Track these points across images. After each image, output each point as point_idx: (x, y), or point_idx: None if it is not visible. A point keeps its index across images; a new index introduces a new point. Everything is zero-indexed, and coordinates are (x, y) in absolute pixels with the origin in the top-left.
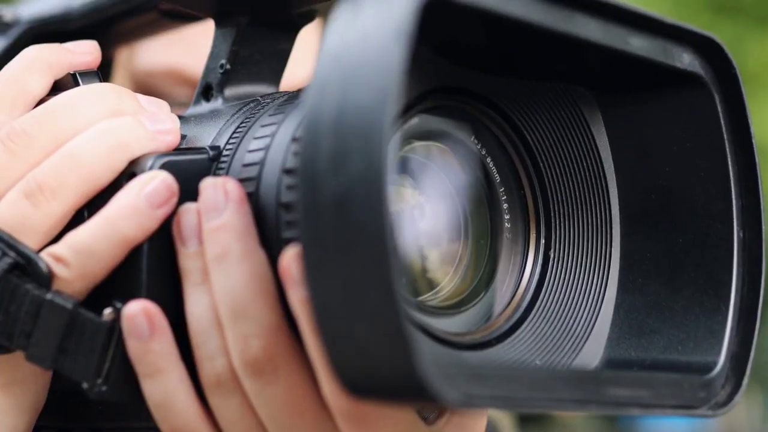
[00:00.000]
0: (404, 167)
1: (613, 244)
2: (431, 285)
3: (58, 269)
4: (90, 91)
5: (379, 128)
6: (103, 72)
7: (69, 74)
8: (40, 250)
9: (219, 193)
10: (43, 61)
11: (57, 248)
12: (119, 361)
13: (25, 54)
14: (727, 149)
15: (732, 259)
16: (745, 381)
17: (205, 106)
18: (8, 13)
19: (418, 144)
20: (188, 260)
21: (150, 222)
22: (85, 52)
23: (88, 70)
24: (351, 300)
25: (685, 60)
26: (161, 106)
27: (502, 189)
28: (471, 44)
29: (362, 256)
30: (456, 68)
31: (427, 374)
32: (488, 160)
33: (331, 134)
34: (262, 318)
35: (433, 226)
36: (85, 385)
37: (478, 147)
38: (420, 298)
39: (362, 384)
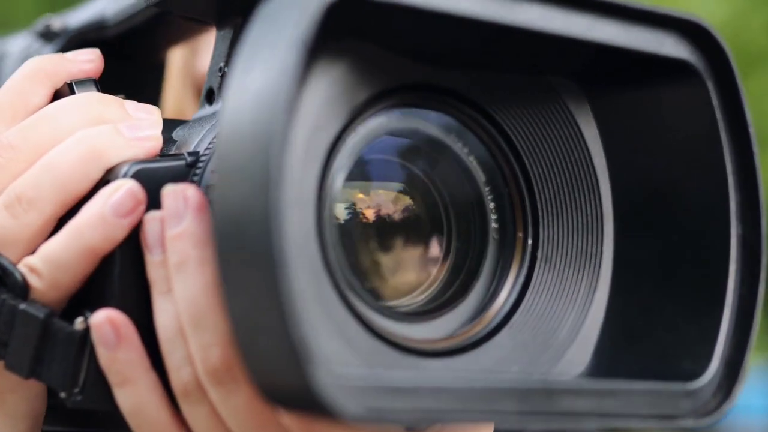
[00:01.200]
0: (372, 167)
1: (604, 243)
2: (406, 290)
3: (32, 280)
4: (73, 101)
5: (268, 141)
6: (155, 74)
7: (65, 84)
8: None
9: (179, 200)
10: (41, 71)
11: (32, 259)
12: (94, 371)
13: (26, 65)
14: (723, 139)
15: (728, 257)
16: (738, 387)
17: (207, 110)
18: (57, 23)
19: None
20: (154, 269)
21: (116, 232)
22: (84, 60)
23: (87, 78)
24: (254, 315)
25: (671, 47)
26: (151, 112)
27: (488, 188)
28: (424, 41)
29: (257, 275)
30: (420, 65)
31: (322, 389)
32: (471, 158)
33: (235, 149)
34: (220, 327)
35: (403, 228)
36: (62, 395)
37: (459, 145)
38: (390, 304)
39: (274, 395)
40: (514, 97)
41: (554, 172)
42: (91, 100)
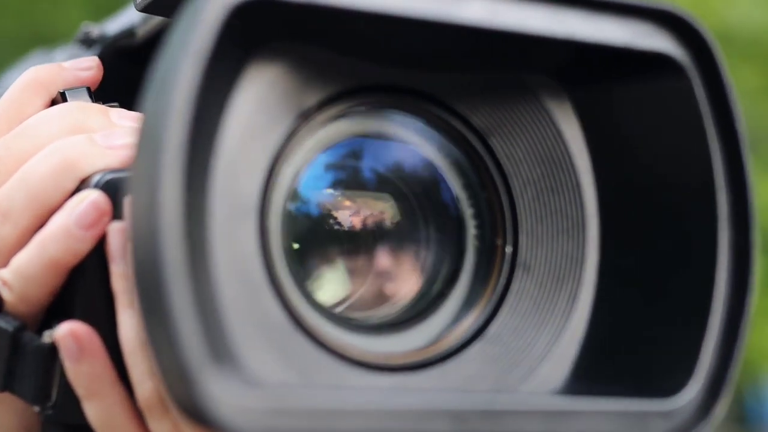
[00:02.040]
0: (335, 173)
1: (587, 249)
2: (374, 302)
3: (4, 293)
4: (53, 111)
5: (155, 155)
6: None
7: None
8: None
9: None
10: (37, 81)
11: (3, 272)
12: (65, 385)
13: (23, 76)
14: (709, 139)
15: (715, 264)
16: (720, 405)
17: None
18: (95, 30)
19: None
20: (117, 280)
21: (80, 244)
22: (82, 68)
23: (81, 86)
24: (152, 333)
25: (649, 40)
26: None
27: (466, 193)
28: (381, 42)
29: (149, 298)
30: (383, 67)
31: (211, 410)
32: (445, 162)
33: (135, 167)
34: None
35: (371, 237)
36: (35, 408)
37: (431, 148)
38: (355, 316)
39: (188, 415)
40: (486, 97)
41: (534, 175)
42: (71, 109)
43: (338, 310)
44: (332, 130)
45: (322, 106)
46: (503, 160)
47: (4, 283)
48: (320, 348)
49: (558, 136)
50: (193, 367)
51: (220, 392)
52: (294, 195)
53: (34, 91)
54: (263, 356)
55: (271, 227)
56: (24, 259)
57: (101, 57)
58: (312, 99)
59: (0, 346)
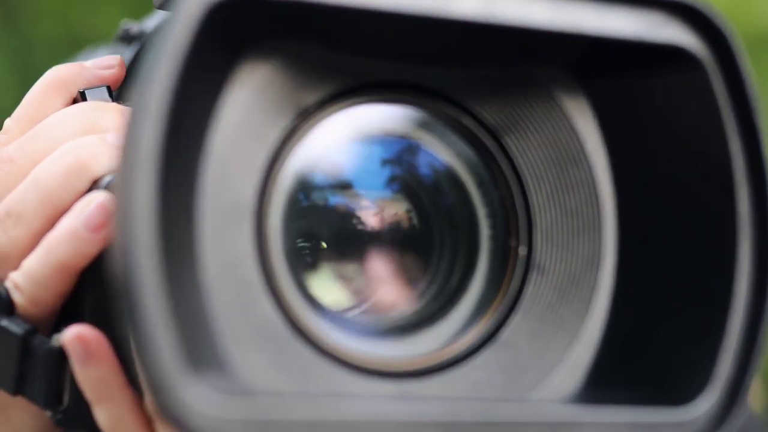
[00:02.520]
0: (341, 173)
1: (604, 250)
2: (384, 306)
3: (15, 296)
4: (67, 112)
5: (132, 159)
6: None
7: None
8: None
9: None
10: (57, 80)
11: (15, 274)
12: (76, 389)
13: (44, 76)
14: (729, 135)
15: (736, 265)
16: (736, 415)
17: None
18: (135, 27)
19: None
20: None
21: (88, 247)
22: (103, 67)
23: (101, 85)
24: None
25: (666, 33)
26: None
27: (479, 192)
28: (382, 39)
29: (128, 304)
30: (390, 63)
31: (187, 419)
32: (457, 160)
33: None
34: None
35: (379, 239)
36: (48, 414)
37: (442, 146)
38: (362, 321)
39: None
40: (497, 93)
41: (549, 173)
42: (85, 109)
43: (346, 314)
44: (337, 129)
45: (323, 104)
46: (516, 159)
47: (16, 287)
48: (320, 354)
49: (573, 132)
50: (167, 375)
51: (197, 401)
52: (297, 195)
53: (54, 91)
54: (256, 362)
55: (269, 228)
56: (33, 262)
57: (140, 53)
58: (311, 97)
59: (11, 350)
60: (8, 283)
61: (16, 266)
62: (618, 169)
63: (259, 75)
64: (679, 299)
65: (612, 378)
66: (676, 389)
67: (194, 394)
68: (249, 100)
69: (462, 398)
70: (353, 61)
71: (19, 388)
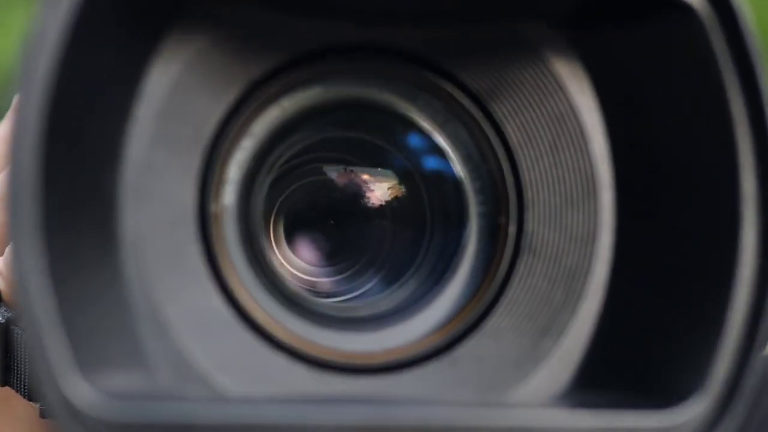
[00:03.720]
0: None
1: (599, 231)
2: (361, 290)
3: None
4: None
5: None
6: None
7: None
8: None
9: None
10: None
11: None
12: None
13: None
14: (730, 95)
15: (738, 249)
16: (730, 421)
17: None
18: None
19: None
20: None
21: None
22: None
23: None
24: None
25: None
26: None
27: (468, 167)
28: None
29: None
30: (353, 25)
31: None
32: (440, 131)
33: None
34: None
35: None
36: (38, 406)
37: (423, 116)
38: (339, 310)
39: None
40: (480, 54)
41: (539, 142)
42: None
43: (315, 301)
44: (302, 99)
45: (277, 73)
46: (504, 127)
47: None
48: (270, 347)
49: (565, 96)
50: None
51: (79, 401)
52: (257, 171)
53: None
54: (198, 358)
55: (214, 209)
56: None
57: None
58: (261, 66)
59: None
60: None
61: (1, 251)
62: (613, 137)
63: (186, 47)
64: (677, 288)
65: (601, 377)
66: (668, 389)
67: (77, 394)
68: (178, 76)
69: (430, 400)
70: (311, 25)
71: (5, 379)
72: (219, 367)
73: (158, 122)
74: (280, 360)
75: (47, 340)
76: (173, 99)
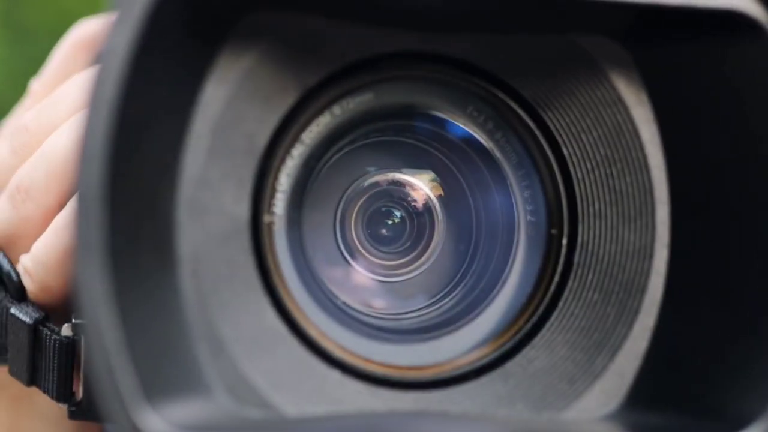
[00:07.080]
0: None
1: (656, 243)
2: (409, 301)
3: (26, 282)
4: (79, 80)
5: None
6: None
7: None
8: None
9: None
10: (82, 40)
11: (26, 258)
12: (87, 382)
13: (70, 34)
14: None
15: None
16: None
17: None
18: None
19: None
20: None
21: None
22: None
23: None
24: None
25: None
26: None
27: (520, 174)
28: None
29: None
30: (412, 33)
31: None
32: (494, 139)
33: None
34: None
35: (400, 228)
36: (63, 406)
37: (478, 124)
38: (384, 322)
39: None
40: (536, 63)
41: (594, 152)
42: None
43: (361, 310)
44: (356, 106)
45: (332, 80)
46: (558, 136)
47: (27, 272)
48: (324, 363)
49: (622, 106)
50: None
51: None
52: (306, 179)
53: (79, 50)
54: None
55: (272, 217)
56: (41, 245)
57: None
58: (317, 74)
59: (21, 339)
60: (20, 267)
61: (25, 247)
62: (670, 152)
63: (242, 57)
64: (737, 303)
65: (655, 394)
66: (728, 413)
67: (148, 427)
68: (233, 88)
69: (483, 415)
70: (363, 33)
71: (33, 379)
72: (275, 386)
73: (214, 135)
74: (334, 375)
75: (118, 373)
76: (228, 110)
